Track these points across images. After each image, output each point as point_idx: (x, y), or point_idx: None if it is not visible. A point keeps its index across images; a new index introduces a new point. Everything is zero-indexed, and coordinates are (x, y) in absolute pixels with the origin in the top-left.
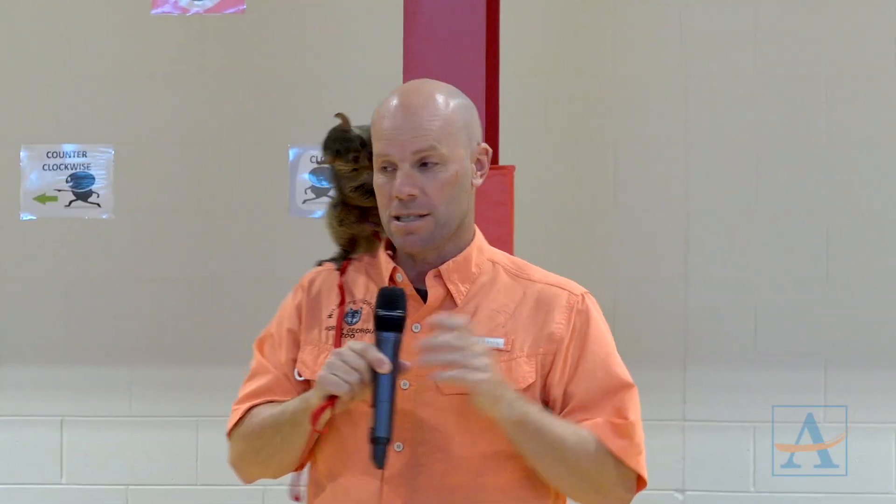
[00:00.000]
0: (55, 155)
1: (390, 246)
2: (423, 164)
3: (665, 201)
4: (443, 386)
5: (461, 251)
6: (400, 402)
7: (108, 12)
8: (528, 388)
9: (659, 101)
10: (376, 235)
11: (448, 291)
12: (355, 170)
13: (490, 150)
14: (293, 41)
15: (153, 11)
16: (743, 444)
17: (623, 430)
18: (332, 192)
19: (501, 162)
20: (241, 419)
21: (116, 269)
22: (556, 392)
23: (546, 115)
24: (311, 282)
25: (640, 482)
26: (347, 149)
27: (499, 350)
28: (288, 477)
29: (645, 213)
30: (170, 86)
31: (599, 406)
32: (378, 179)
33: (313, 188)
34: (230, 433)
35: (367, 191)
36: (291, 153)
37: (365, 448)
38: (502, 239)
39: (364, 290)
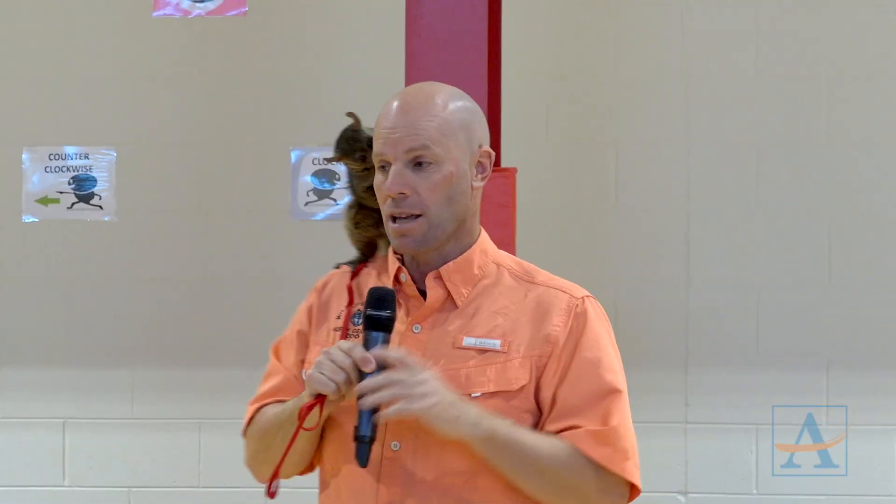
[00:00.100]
0: (57, 157)
1: None
2: (417, 164)
3: (666, 202)
4: None
5: (462, 253)
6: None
7: (110, 14)
8: (521, 390)
9: (660, 102)
10: None
11: (448, 293)
12: (366, 169)
13: (493, 154)
14: (295, 43)
15: (155, 13)
16: (745, 445)
17: (603, 436)
18: (349, 195)
19: (503, 164)
20: (251, 419)
21: (118, 271)
22: (546, 395)
23: (547, 117)
24: (325, 284)
25: (634, 488)
26: (353, 148)
27: (495, 351)
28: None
29: (646, 213)
30: (172, 88)
31: (583, 411)
32: (377, 179)
33: (315, 190)
34: (244, 433)
35: None
36: (293, 155)
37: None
38: (505, 240)
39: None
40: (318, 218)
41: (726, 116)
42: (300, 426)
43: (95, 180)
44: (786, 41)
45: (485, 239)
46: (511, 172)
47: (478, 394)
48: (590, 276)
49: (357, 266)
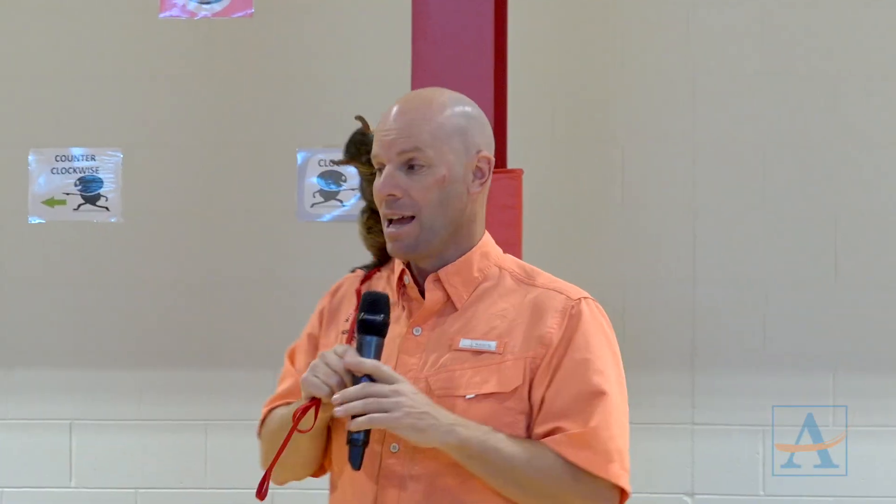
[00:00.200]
0: (63, 158)
1: None
2: (410, 167)
3: (672, 201)
4: (435, 389)
5: (462, 256)
6: None
7: (116, 16)
8: (514, 392)
9: (666, 101)
10: None
11: (448, 295)
12: (373, 173)
13: (492, 160)
14: (301, 45)
15: (161, 15)
16: (752, 447)
17: (583, 439)
18: (361, 199)
19: (510, 165)
20: (264, 421)
21: (125, 273)
22: (536, 396)
23: (553, 117)
24: (338, 288)
25: (624, 492)
26: (360, 151)
27: (490, 353)
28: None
29: (652, 213)
30: (178, 89)
31: (567, 414)
32: (375, 182)
33: (321, 191)
34: (258, 435)
35: None
36: (299, 157)
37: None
38: (511, 241)
39: None
40: (325, 219)
41: (732, 115)
42: (294, 428)
43: (102, 182)
44: (792, 40)
45: (487, 242)
46: (517, 174)
47: (472, 395)
48: (596, 276)
49: (370, 270)
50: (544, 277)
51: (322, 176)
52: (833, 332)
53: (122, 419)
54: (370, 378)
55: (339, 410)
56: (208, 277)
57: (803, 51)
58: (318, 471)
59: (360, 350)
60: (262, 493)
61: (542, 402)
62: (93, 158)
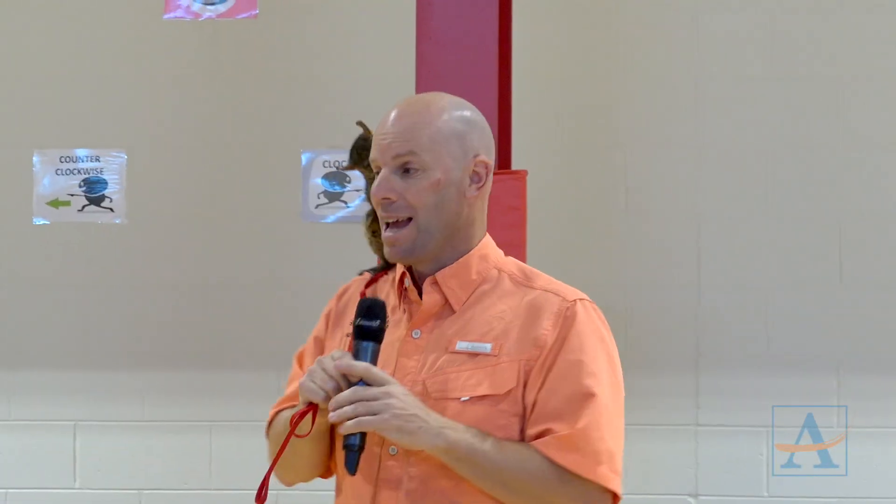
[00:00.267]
0: (68, 160)
1: None
2: (405, 171)
3: (676, 205)
4: (432, 391)
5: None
6: None
7: (121, 17)
8: (507, 394)
9: (670, 105)
10: None
11: (445, 298)
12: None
13: (491, 164)
14: (306, 46)
15: (166, 16)
16: (756, 448)
17: (570, 441)
18: (367, 203)
19: (514, 167)
20: (270, 423)
21: (129, 274)
22: (529, 398)
23: (558, 120)
24: (345, 290)
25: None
26: (362, 156)
27: (486, 355)
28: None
29: (656, 217)
30: (182, 90)
31: (557, 416)
32: (373, 186)
33: (325, 192)
34: (267, 437)
35: None
36: (304, 158)
37: (364, 452)
38: (515, 243)
39: (383, 297)
40: (329, 220)
41: (736, 120)
42: (291, 432)
43: (106, 183)
44: (795, 45)
45: (486, 245)
46: (522, 175)
47: (466, 398)
48: (600, 279)
49: (377, 273)
50: (542, 279)
51: (326, 177)
52: (837, 335)
53: (126, 420)
54: (367, 384)
55: (332, 416)
56: (212, 279)
57: (807, 56)
58: (326, 472)
59: (357, 356)
60: (261, 496)
61: (535, 403)
62: (97, 160)
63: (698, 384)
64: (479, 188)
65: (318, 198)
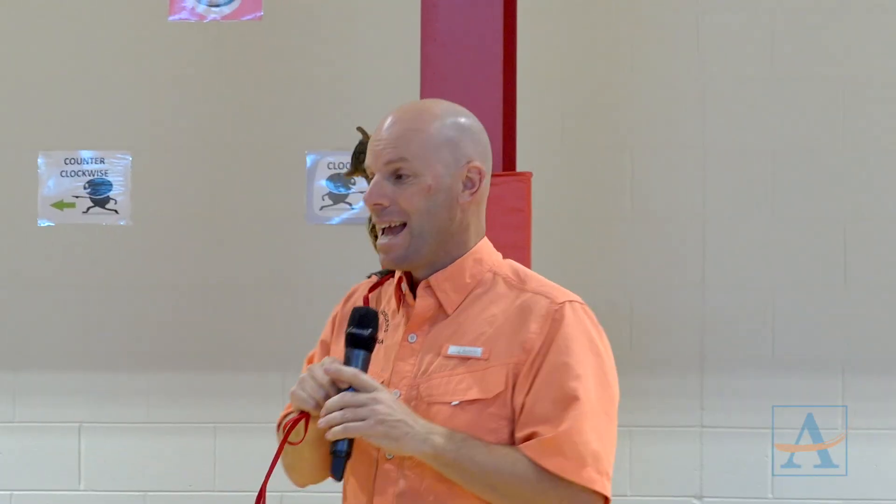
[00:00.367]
0: (73, 161)
1: None
2: (397, 177)
3: (682, 207)
4: (424, 395)
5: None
6: None
7: (125, 19)
8: (496, 398)
9: (675, 107)
10: None
11: (439, 302)
12: None
13: (484, 170)
14: (310, 47)
15: (171, 18)
16: (760, 450)
17: (554, 444)
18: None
19: (519, 168)
20: (279, 427)
21: (134, 276)
22: (518, 402)
23: (562, 121)
24: (352, 294)
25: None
26: (360, 161)
27: (476, 359)
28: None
29: (662, 218)
30: (187, 92)
31: (543, 419)
32: (366, 192)
33: (330, 194)
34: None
35: None
36: (309, 159)
37: (359, 457)
38: (520, 245)
39: (385, 302)
40: (334, 222)
41: (742, 121)
42: (284, 440)
43: (111, 184)
44: (801, 46)
45: (481, 249)
46: (526, 176)
47: (456, 402)
48: (605, 280)
49: (383, 277)
50: (534, 282)
51: (331, 179)
52: (842, 337)
53: (130, 422)
54: (356, 391)
55: (320, 422)
56: (217, 280)
57: (811, 57)
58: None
59: (348, 363)
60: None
61: (523, 406)
62: (102, 161)
63: (702, 385)
64: (472, 194)
65: (323, 199)
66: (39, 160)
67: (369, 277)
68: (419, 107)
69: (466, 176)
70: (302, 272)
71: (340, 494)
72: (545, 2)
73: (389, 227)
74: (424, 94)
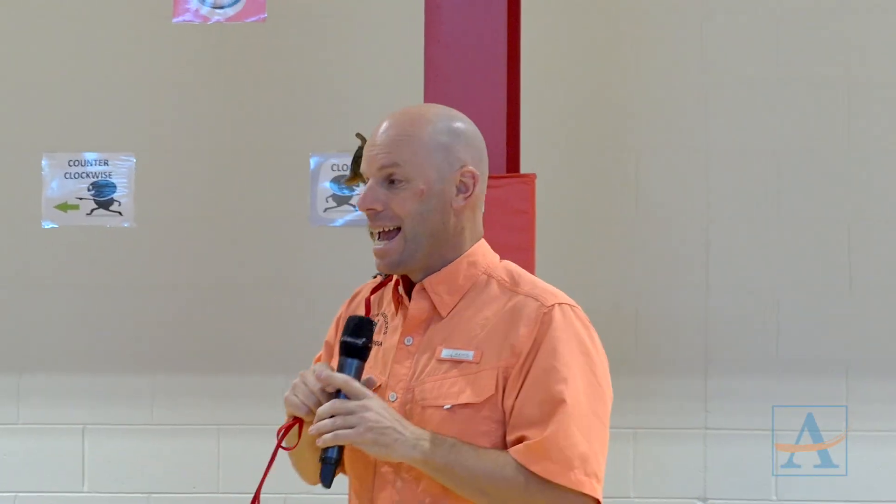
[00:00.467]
0: (76, 163)
1: None
2: (390, 182)
3: (686, 209)
4: (419, 399)
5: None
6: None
7: (130, 21)
8: (487, 401)
9: (680, 110)
10: None
11: (433, 304)
12: None
13: (478, 175)
14: (314, 49)
15: (174, 20)
16: (765, 451)
17: (540, 448)
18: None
19: (523, 170)
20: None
21: (137, 278)
22: (507, 405)
23: (567, 123)
24: (356, 295)
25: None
26: (359, 167)
27: (468, 363)
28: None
29: (666, 220)
30: (191, 94)
31: (530, 423)
32: (360, 196)
33: (334, 196)
34: None
35: None
36: (312, 161)
37: (358, 461)
38: (524, 246)
39: (387, 304)
40: (337, 224)
41: (746, 124)
42: (278, 446)
43: (115, 186)
44: (805, 47)
45: (476, 251)
46: (530, 178)
47: (448, 405)
48: (609, 282)
49: (386, 278)
50: (527, 284)
51: (335, 180)
52: (846, 339)
53: (134, 423)
54: (347, 398)
55: (311, 429)
56: (221, 282)
57: (816, 58)
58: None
59: (342, 371)
60: None
61: (512, 410)
62: (106, 163)
63: (707, 387)
64: (466, 198)
65: (327, 201)
66: (43, 162)
67: (374, 278)
68: (414, 112)
69: (460, 180)
70: (306, 274)
71: (344, 496)
72: (548, 3)
73: (384, 231)
74: (428, 95)
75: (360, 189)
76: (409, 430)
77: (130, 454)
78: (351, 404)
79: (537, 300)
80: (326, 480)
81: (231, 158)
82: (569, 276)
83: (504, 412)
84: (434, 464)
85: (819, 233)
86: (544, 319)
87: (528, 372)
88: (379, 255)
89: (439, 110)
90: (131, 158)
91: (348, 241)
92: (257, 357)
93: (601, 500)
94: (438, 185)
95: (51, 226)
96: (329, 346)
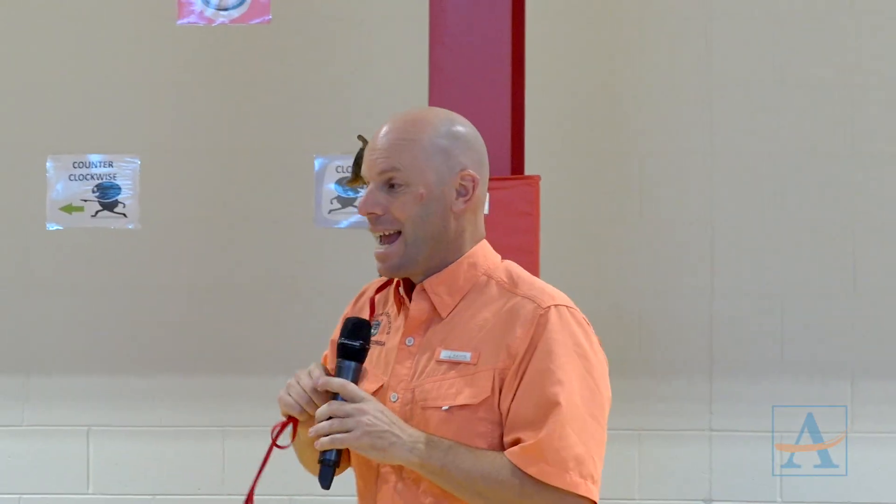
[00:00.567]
0: (81, 165)
1: None
2: (390, 186)
3: (690, 212)
4: (419, 399)
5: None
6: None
7: (134, 22)
8: (483, 403)
9: (683, 112)
10: None
11: (433, 305)
12: None
13: (479, 178)
14: (318, 51)
15: (179, 22)
16: (770, 453)
17: (535, 450)
18: None
19: (527, 172)
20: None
21: (143, 279)
22: (504, 407)
23: (571, 125)
24: (362, 294)
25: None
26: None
27: (466, 364)
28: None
29: (670, 223)
30: (196, 96)
31: (526, 425)
32: (360, 201)
33: (338, 198)
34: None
35: None
36: (317, 163)
37: (362, 462)
38: (528, 248)
39: (389, 303)
40: (342, 226)
41: (749, 126)
42: (272, 445)
43: (119, 188)
44: (809, 51)
45: (476, 253)
46: (535, 180)
47: (446, 407)
48: (614, 285)
49: (388, 280)
50: (525, 286)
51: (339, 182)
52: (850, 341)
53: (139, 425)
54: (345, 400)
55: (310, 431)
56: (226, 284)
57: (820, 62)
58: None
59: (339, 373)
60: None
61: (509, 412)
62: (110, 165)
63: (711, 389)
64: (465, 201)
65: (332, 203)
66: (48, 164)
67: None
68: (414, 116)
69: (460, 184)
70: (311, 275)
71: (349, 497)
72: (553, 6)
73: (384, 235)
74: (433, 97)
75: (363, 191)
76: (407, 432)
77: (135, 456)
78: (348, 407)
79: (534, 301)
80: (325, 482)
81: (236, 160)
82: (573, 279)
83: (500, 414)
84: (431, 466)
85: (822, 235)
86: (540, 321)
87: (523, 374)
88: (380, 258)
89: (440, 114)
90: (136, 160)
91: (353, 243)
92: (263, 359)
93: (597, 501)
94: (438, 188)
95: (55, 228)
96: (334, 345)
